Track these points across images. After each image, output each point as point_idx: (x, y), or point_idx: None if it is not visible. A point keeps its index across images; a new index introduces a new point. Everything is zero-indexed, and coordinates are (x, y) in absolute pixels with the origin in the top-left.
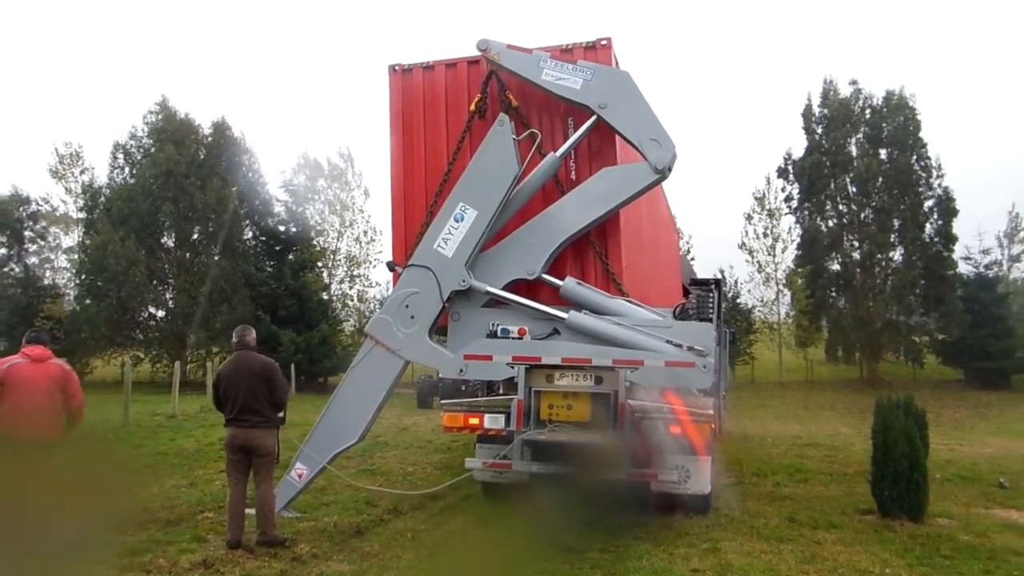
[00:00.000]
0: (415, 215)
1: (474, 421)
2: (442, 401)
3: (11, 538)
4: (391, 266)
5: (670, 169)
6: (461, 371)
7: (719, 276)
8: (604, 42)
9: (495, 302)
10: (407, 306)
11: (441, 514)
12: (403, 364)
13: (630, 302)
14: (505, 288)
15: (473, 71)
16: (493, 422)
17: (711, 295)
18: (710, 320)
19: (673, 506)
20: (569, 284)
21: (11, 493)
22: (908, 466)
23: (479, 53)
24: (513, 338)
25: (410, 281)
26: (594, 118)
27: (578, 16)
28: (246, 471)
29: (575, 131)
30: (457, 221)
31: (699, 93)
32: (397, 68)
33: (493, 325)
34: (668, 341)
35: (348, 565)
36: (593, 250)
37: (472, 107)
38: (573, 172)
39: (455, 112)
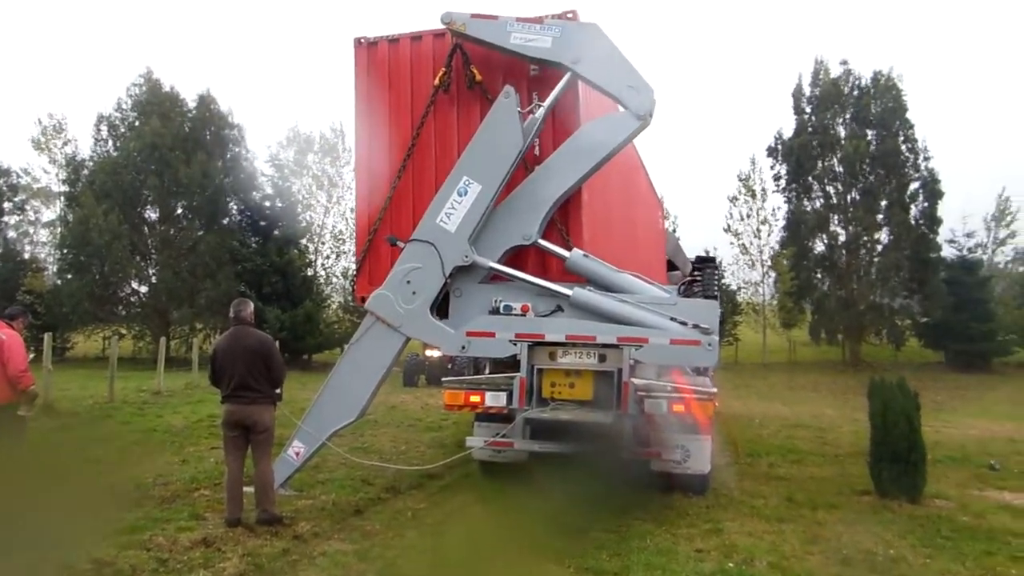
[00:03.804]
0: (379, 189)
1: (475, 399)
2: (443, 379)
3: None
4: (392, 241)
5: (651, 115)
6: (463, 348)
7: (708, 256)
8: (570, 15)
9: (498, 277)
10: (409, 282)
11: (440, 493)
12: (404, 341)
13: (637, 277)
14: (503, 258)
15: (439, 44)
16: (495, 400)
17: (716, 273)
18: (716, 298)
19: (671, 485)
20: (576, 256)
21: None
22: (907, 447)
23: (443, 26)
24: (516, 315)
25: (412, 256)
26: (568, 75)
27: None
28: (243, 448)
29: (540, 102)
30: (460, 195)
31: (688, 76)
32: (363, 41)
33: (496, 301)
34: (672, 318)
35: (350, 544)
36: (555, 227)
37: (436, 81)
38: (537, 148)
39: (420, 86)
